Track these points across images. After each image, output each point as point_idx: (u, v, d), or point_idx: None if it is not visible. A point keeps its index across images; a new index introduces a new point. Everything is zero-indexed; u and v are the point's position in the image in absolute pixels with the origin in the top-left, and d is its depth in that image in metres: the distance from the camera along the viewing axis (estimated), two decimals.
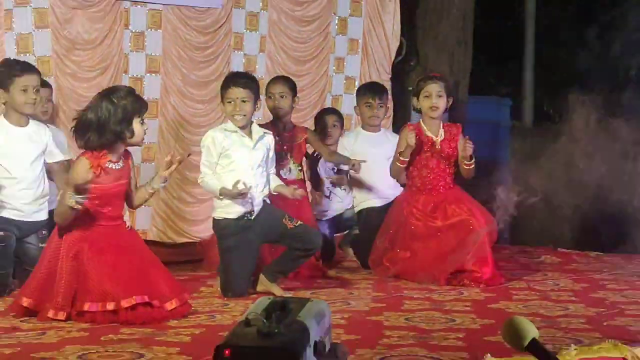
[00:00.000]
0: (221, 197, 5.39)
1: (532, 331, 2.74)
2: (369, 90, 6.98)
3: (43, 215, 5.45)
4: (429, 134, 6.05)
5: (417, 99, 6.05)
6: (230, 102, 5.44)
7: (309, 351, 3.22)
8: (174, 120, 7.23)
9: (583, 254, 7.65)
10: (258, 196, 5.43)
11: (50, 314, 4.52)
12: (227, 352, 3.07)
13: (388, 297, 5.41)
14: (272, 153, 5.64)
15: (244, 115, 5.43)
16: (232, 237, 5.43)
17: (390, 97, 8.17)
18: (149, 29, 7.15)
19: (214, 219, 5.55)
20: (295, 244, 5.46)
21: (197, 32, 7.34)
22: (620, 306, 5.13)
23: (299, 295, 4.99)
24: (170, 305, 4.63)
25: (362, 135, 6.90)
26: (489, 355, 3.56)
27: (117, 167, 4.73)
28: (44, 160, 5.51)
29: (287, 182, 5.92)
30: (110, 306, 4.49)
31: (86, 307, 4.49)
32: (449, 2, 9.02)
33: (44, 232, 5.39)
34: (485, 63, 11.34)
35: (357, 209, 6.88)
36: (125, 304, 4.49)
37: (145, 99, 6.96)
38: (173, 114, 7.23)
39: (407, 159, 5.99)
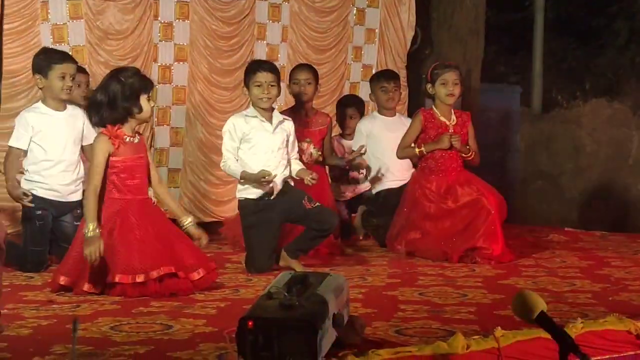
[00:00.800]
0: (242, 180, 5.40)
1: (540, 304, 2.74)
2: (383, 76, 7.00)
3: (78, 196, 5.47)
4: (442, 119, 6.03)
5: (433, 85, 6.02)
6: (259, 85, 5.42)
7: (328, 323, 3.23)
8: (200, 106, 7.24)
9: (589, 233, 7.62)
10: (278, 178, 5.42)
11: (86, 287, 4.55)
12: (250, 323, 3.08)
13: (403, 274, 5.40)
14: (292, 138, 5.63)
15: (270, 98, 5.43)
16: (253, 216, 5.44)
17: (405, 84, 8.16)
18: (177, 20, 7.16)
19: (238, 200, 5.56)
20: (312, 224, 5.46)
21: (223, 22, 7.34)
22: (625, 282, 5.11)
23: (318, 270, 5.00)
24: (198, 274, 4.67)
25: (378, 120, 6.89)
26: (499, 328, 3.56)
27: (134, 141, 4.78)
28: (81, 143, 5.53)
29: (307, 167, 5.91)
30: (139, 278, 4.51)
31: (117, 278, 4.51)
32: None
33: (78, 211, 5.40)
34: (496, 52, 11.29)
35: (374, 191, 6.86)
36: (154, 274, 4.53)
37: (173, 86, 7.13)
38: (200, 100, 7.24)
39: (428, 153, 5.98)
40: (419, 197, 6.01)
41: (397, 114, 7.05)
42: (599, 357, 3.67)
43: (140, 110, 4.73)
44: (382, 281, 5.13)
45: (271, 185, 5.37)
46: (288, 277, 3.53)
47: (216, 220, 7.24)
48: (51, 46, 6.27)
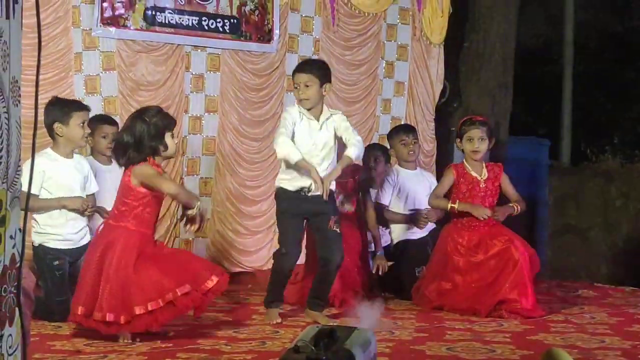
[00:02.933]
0: (293, 164, 5.30)
1: None
2: (402, 130, 7.03)
3: (87, 239, 5.47)
4: (473, 173, 6.02)
5: (461, 140, 6.04)
6: (296, 87, 5.45)
7: None
8: (229, 156, 7.27)
9: (619, 289, 7.52)
10: (320, 174, 5.32)
11: (99, 316, 4.57)
12: None
13: (430, 328, 5.36)
14: (343, 126, 5.46)
15: (308, 99, 5.40)
16: (287, 201, 5.44)
17: (433, 136, 8.18)
18: (208, 72, 7.22)
19: (276, 188, 5.55)
20: (319, 243, 5.49)
21: (253, 74, 7.40)
22: None
23: (346, 324, 4.96)
24: (212, 282, 4.69)
25: (402, 173, 6.90)
26: None
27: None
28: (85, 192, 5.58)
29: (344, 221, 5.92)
30: (169, 296, 4.57)
31: (137, 310, 4.55)
32: (491, 48, 9.02)
33: None
34: (524, 105, 11.31)
35: (394, 243, 6.86)
36: (180, 291, 4.58)
37: (204, 136, 7.17)
38: (229, 151, 7.27)
39: (459, 211, 5.97)
40: (450, 252, 5.98)
41: (418, 168, 7.09)
42: None
43: (166, 147, 4.79)
44: (410, 335, 5.08)
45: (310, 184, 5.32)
46: (315, 331, 3.52)
47: (243, 270, 7.24)
48: (84, 97, 6.36)
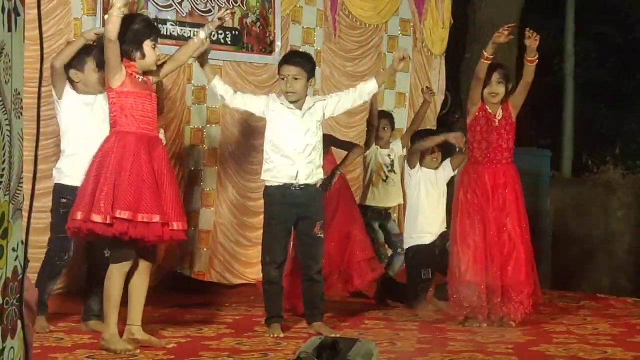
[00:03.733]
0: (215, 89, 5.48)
1: None
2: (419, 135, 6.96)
3: None
4: (490, 110, 6.00)
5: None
6: (283, 78, 5.41)
7: None
8: (231, 167, 7.28)
9: (620, 300, 7.52)
10: (304, 169, 5.35)
11: (94, 218, 4.55)
12: None
13: (433, 339, 5.35)
14: (327, 102, 5.48)
15: (294, 92, 5.36)
16: (276, 206, 5.41)
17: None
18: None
19: (264, 186, 5.54)
20: (301, 248, 5.51)
21: (255, 85, 7.41)
22: None
23: (348, 335, 4.95)
24: (172, 227, 4.71)
25: (422, 172, 6.78)
26: None
27: (142, 79, 4.82)
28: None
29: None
30: (142, 218, 4.60)
31: (121, 214, 4.56)
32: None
33: None
34: (526, 116, 11.32)
35: (406, 245, 6.81)
36: (145, 217, 4.61)
37: (205, 148, 7.16)
38: (231, 162, 7.28)
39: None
40: (468, 201, 5.93)
41: (440, 166, 6.90)
42: None
43: (143, 56, 4.77)
44: (412, 346, 5.07)
45: (293, 165, 5.33)
46: (317, 342, 3.52)
47: (245, 282, 7.23)
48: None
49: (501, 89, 5.98)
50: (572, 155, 11.10)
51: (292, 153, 5.35)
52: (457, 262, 5.89)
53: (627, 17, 13.34)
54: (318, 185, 5.50)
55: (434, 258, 6.61)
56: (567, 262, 10.03)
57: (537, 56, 6.02)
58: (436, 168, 6.81)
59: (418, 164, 6.74)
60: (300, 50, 6.96)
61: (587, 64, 12.68)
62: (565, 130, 11.08)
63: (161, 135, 4.96)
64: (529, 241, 5.93)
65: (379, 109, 7.37)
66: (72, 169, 5.21)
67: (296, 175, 5.33)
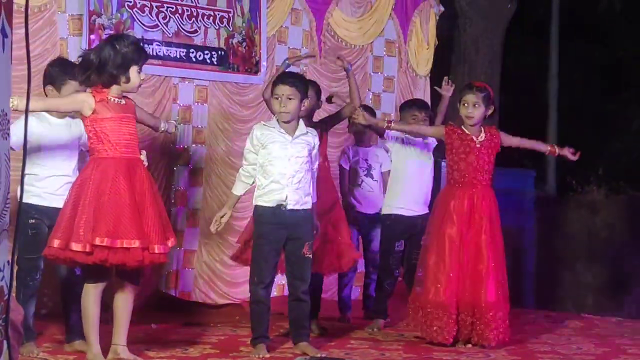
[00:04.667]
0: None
1: None
2: (415, 104, 6.85)
3: None
4: (468, 131, 5.90)
5: (459, 105, 5.98)
6: (277, 98, 5.40)
7: None
8: (217, 187, 7.27)
9: (605, 320, 7.54)
10: (294, 193, 5.35)
11: (74, 247, 4.58)
12: None
13: (418, 358, 5.35)
14: (315, 150, 5.54)
15: (288, 112, 5.37)
16: (266, 225, 5.39)
17: None
18: (196, 103, 7.24)
19: (254, 207, 5.52)
20: (289, 268, 5.48)
21: (240, 106, 7.42)
22: None
23: (334, 356, 4.95)
24: (155, 249, 4.72)
25: (397, 147, 6.68)
26: None
27: (119, 102, 4.80)
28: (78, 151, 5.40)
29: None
30: (120, 244, 4.61)
31: (97, 241, 4.57)
32: (476, 80, 9.06)
33: None
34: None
35: (384, 212, 6.71)
36: (124, 244, 4.62)
37: (191, 167, 7.16)
38: (217, 182, 7.27)
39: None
40: (445, 222, 5.88)
41: (413, 146, 6.75)
42: None
43: (128, 80, 4.77)
44: None
45: (284, 189, 5.34)
46: None
47: (231, 302, 7.22)
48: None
49: (477, 112, 5.86)
50: (556, 175, 11.14)
51: (281, 178, 5.35)
52: (429, 282, 5.86)
53: (612, 37, 13.43)
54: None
55: (409, 232, 6.55)
56: (552, 282, 10.06)
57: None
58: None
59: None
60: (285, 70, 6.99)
61: (571, 85, 12.75)
62: None
63: (143, 157, 4.93)
64: (503, 265, 5.88)
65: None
66: (39, 189, 5.18)
67: (285, 199, 5.34)
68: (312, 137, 5.52)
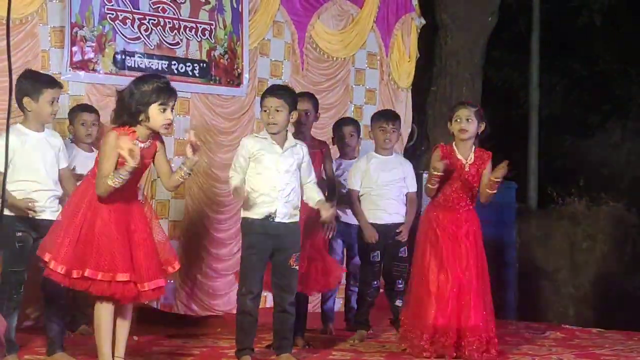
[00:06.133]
0: (233, 190, 5.41)
1: None
2: (383, 116, 6.83)
3: (53, 216, 5.17)
4: (459, 157, 5.93)
5: (451, 122, 6.01)
6: (265, 110, 5.43)
7: None
8: (199, 199, 7.28)
9: (586, 331, 7.55)
10: (283, 206, 5.37)
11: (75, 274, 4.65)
12: None
13: None
14: (306, 162, 5.54)
15: (275, 124, 5.38)
16: (254, 236, 5.38)
17: None
18: (178, 115, 7.20)
19: (242, 218, 5.52)
20: (276, 279, 5.45)
21: (223, 118, 7.44)
22: None
23: None
24: (143, 287, 4.74)
25: (374, 159, 6.69)
26: None
27: (143, 147, 4.78)
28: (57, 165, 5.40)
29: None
30: (106, 277, 4.64)
31: (87, 273, 4.62)
32: (458, 92, 9.15)
33: None
34: (491, 148, 11.38)
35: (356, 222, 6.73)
36: (120, 277, 4.65)
37: None
38: (199, 194, 7.28)
39: (435, 185, 5.88)
40: (434, 230, 5.90)
41: (394, 153, 6.88)
42: None
43: (148, 119, 4.72)
44: None
45: (274, 201, 5.35)
46: None
47: (212, 314, 7.21)
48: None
49: (471, 127, 5.87)
50: (537, 187, 11.17)
51: (271, 191, 5.36)
52: (413, 303, 5.89)
53: (592, 51, 13.50)
54: None
55: (387, 239, 6.57)
56: (533, 293, 10.09)
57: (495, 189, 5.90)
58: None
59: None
60: (266, 82, 7.03)
61: (552, 97, 12.81)
62: (530, 162, 11.16)
63: (143, 190, 4.94)
64: (488, 286, 5.88)
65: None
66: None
67: (275, 212, 5.35)
68: (300, 149, 5.52)
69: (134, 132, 4.73)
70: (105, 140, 4.78)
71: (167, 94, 4.80)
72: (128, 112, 4.72)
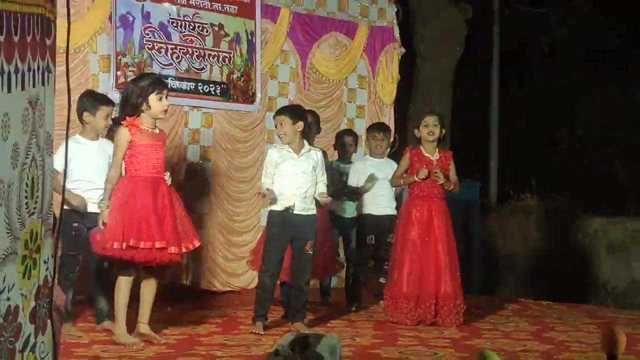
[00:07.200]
0: (265, 192, 5.44)
1: None
2: (376, 127, 7.00)
3: None
4: (426, 154, 6.00)
5: (418, 129, 6.03)
6: (275, 126, 5.56)
7: None
8: (220, 196, 7.29)
9: (537, 303, 7.58)
10: (300, 200, 5.39)
11: (116, 245, 4.63)
12: None
13: (385, 335, 5.37)
14: (319, 165, 5.54)
15: (285, 135, 5.44)
16: (276, 227, 5.41)
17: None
18: (203, 127, 7.26)
19: (268, 211, 5.56)
20: (294, 263, 5.47)
21: (239, 129, 7.45)
22: (566, 344, 5.10)
23: (317, 332, 4.97)
24: (170, 250, 4.73)
25: (369, 161, 6.82)
26: None
27: (152, 131, 4.81)
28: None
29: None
30: (146, 245, 4.65)
31: (132, 243, 4.62)
32: (431, 108, 9.10)
33: None
34: (459, 154, 11.37)
35: (358, 213, 6.77)
36: (158, 245, 4.67)
37: (199, 179, 7.14)
38: (220, 191, 7.29)
39: (406, 185, 6.03)
40: (406, 225, 5.93)
41: (385, 158, 6.93)
42: None
43: (149, 107, 4.75)
44: (368, 341, 5.10)
45: (292, 198, 5.37)
46: (291, 338, 3.54)
47: (232, 290, 7.22)
48: None
49: (437, 130, 5.94)
50: (497, 187, 11.18)
51: (290, 189, 5.38)
52: (395, 277, 5.91)
53: (541, 76, 13.52)
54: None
55: (377, 230, 6.58)
56: (495, 274, 10.09)
57: (451, 184, 5.95)
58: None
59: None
60: (276, 101, 7.07)
61: (509, 115, 12.81)
62: (491, 166, 11.19)
63: (167, 177, 4.94)
64: (457, 263, 5.91)
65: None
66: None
67: (293, 205, 5.37)
68: (315, 154, 5.54)
69: (139, 120, 4.77)
70: (117, 134, 4.83)
71: (161, 85, 4.87)
72: (131, 104, 4.75)
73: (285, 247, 5.46)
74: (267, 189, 5.40)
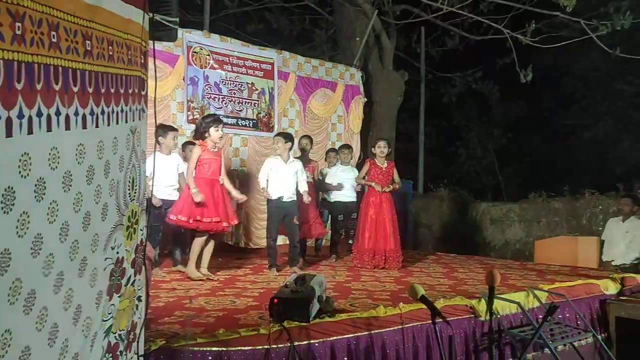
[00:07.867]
0: (261, 190, 5.39)
1: (422, 291, 2.75)
2: (345, 146, 6.89)
3: (175, 197, 5.12)
4: (379, 164, 5.94)
5: (374, 148, 5.98)
6: (273, 143, 5.50)
7: (315, 300, 3.21)
8: (251, 192, 7.15)
9: (447, 256, 7.53)
10: (287, 192, 5.33)
11: (182, 218, 4.61)
12: (275, 300, 3.06)
13: (353, 275, 5.34)
14: (300, 170, 5.45)
15: (277, 149, 5.40)
16: (273, 208, 5.35)
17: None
18: (241, 147, 7.16)
19: (267, 200, 5.47)
20: (287, 230, 5.42)
21: (263, 147, 7.27)
22: (465, 280, 5.06)
23: (311, 272, 4.96)
24: (223, 224, 4.72)
25: (340, 167, 6.73)
26: (401, 303, 3.53)
27: (213, 149, 4.80)
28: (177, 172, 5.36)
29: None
30: (215, 219, 4.64)
31: (198, 217, 4.60)
32: (383, 135, 9.07)
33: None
34: (400, 163, 11.39)
35: (333, 199, 6.68)
36: (215, 219, 4.65)
37: (238, 180, 7.04)
38: (251, 187, 7.15)
39: (365, 185, 5.93)
40: (366, 206, 5.88)
41: (350, 165, 6.81)
42: (451, 318, 3.65)
43: (210, 135, 4.74)
44: (343, 279, 5.06)
45: (281, 191, 5.28)
46: (295, 276, 3.52)
47: (259, 247, 7.17)
48: None
49: (386, 150, 5.92)
50: (423, 183, 11.19)
51: (280, 185, 5.35)
52: (359, 237, 5.89)
53: (450, 115, 13.51)
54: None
55: (347, 209, 6.50)
56: (421, 238, 10.10)
57: (394, 186, 5.85)
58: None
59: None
60: (287, 131, 7.01)
61: (431, 138, 12.82)
62: (419, 171, 11.20)
63: (220, 178, 4.91)
64: (397, 231, 5.87)
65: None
66: (162, 192, 5.16)
67: (282, 196, 5.33)
68: (296, 163, 5.50)
69: (206, 143, 4.74)
70: (192, 150, 4.80)
71: (218, 121, 4.84)
72: (200, 132, 4.74)
73: (280, 221, 5.40)
74: (262, 188, 5.37)
